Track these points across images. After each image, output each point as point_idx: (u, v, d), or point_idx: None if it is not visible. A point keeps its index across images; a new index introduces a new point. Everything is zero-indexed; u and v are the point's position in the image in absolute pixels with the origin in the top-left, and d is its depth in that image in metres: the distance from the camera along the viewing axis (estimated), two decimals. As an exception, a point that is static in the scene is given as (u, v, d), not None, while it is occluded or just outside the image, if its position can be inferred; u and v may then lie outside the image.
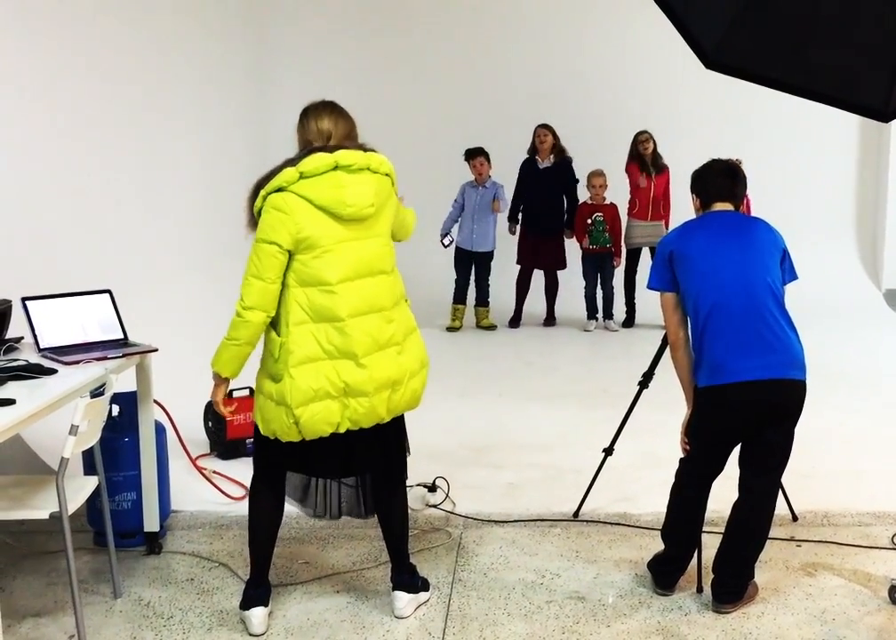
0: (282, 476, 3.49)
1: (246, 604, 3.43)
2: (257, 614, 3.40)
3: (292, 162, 3.23)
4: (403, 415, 3.52)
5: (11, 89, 4.81)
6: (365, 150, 3.30)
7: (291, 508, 3.66)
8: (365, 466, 3.52)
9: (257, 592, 3.44)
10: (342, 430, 3.26)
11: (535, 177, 8.79)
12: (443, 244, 8.09)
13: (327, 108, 3.36)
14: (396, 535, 3.54)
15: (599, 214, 8.71)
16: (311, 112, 3.35)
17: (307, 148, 3.28)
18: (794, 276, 3.55)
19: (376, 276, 3.29)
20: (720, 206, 3.57)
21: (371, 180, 3.24)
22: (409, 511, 3.61)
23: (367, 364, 3.22)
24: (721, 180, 3.59)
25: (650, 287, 3.62)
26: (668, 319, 3.58)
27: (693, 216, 3.68)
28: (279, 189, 3.17)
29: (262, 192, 3.21)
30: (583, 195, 8.84)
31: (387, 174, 3.32)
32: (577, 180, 8.82)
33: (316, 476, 3.65)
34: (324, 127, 3.30)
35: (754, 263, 3.37)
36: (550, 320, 9.09)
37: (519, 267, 9.05)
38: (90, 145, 5.67)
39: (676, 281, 3.51)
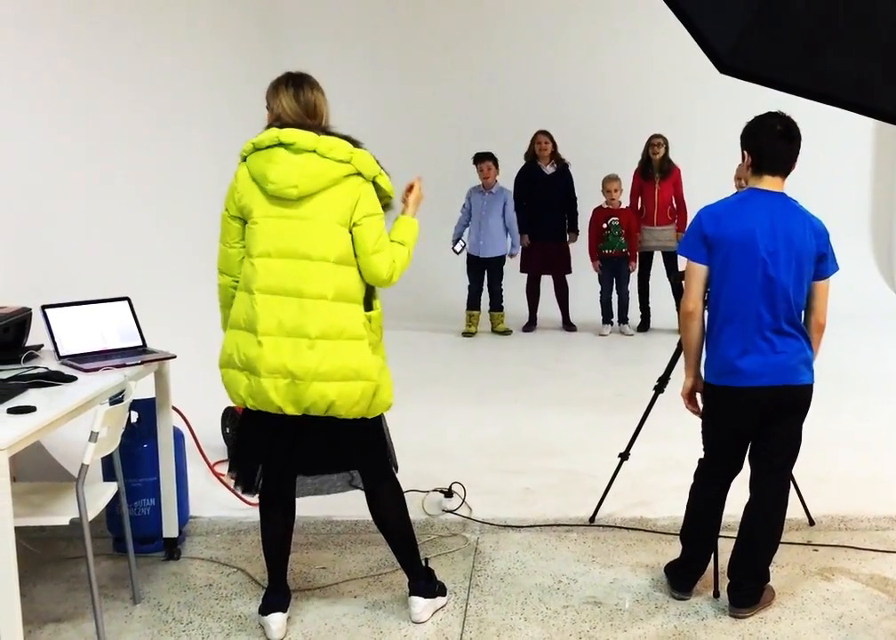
0: (289, 483, 3.46)
1: (265, 609, 3.44)
2: (276, 620, 3.42)
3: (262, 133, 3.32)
4: (366, 426, 3.36)
5: (28, 98, 4.85)
6: (328, 134, 3.26)
7: (308, 513, 3.65)
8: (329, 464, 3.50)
9: (276, 598, 3.46)
10: (250, 406, 3.25)
11: (539, 183, 8.80)
12: (454, 250, 8.12)
13: (312, 82, 3.38)
14: (394, 538, 3.51)
15: (615, 219, 8.72)
16: (300, 83, 3.35)
17: (271, 123, 3.33)
18: (835, 269, 3.45)
19: (300, 260, 3.19)
20: (768, 181, 3.39)
21: (309, 163, 3.18)
22: (408, 518, 3.53)
23: (264, 343, 3.17)
24: (778, 142, 3.38)
25: (679, 252, 3.58)
26: (690, 288, 3.47)
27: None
28: (243, 159, 3.31)
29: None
30: (597, 200, 8.84)
31: (344, 162, 3.21)
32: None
33: (292, 468, 3.51)
34: (309, 99, 3.32)
35: (778, 269, 3.31)
36: (569, 326, 9.08)
37: (527, 274, 9.07)
38: (108, 154, 5.71)
39: (708, 255, 3.42)
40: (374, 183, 3.29)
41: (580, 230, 8.96)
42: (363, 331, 3.25)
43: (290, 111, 3.31)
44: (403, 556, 3.54)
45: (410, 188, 3.54)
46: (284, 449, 3.38)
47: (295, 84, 3.35)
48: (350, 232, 3.25)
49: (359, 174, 3.25)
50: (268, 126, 3.33)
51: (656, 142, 8.69)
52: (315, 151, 3.20)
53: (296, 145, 3.19)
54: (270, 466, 3.42)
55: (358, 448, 3.42)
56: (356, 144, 3.29)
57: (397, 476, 3.51)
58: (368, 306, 3.32)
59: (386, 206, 3.34)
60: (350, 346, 3.21)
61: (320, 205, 3.22)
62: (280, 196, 3.20)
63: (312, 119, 3.32)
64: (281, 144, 3.21)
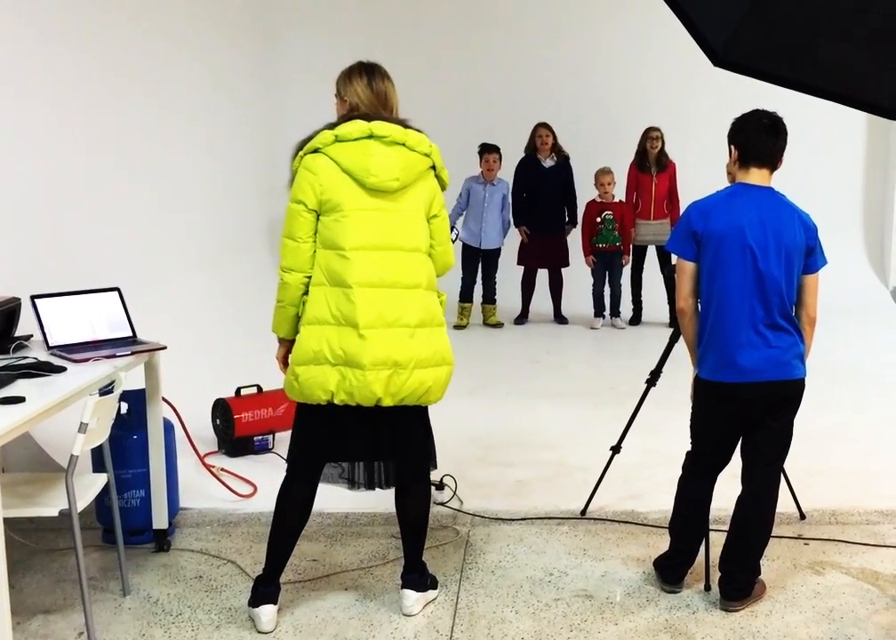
0: (316, 470, 3.45)
1: (256, 601, 3.43)
2: (266, 612, 3.40)
3: (332, 126, 3.29)
4: (424, 414, 3.46)
5: (21, 88, 4.81)
6: (406, 127, 3.30)
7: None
8: (385, 452, 3.47)
9: (267, 590, 3.44)
10: (338, 401, 3.23)
11: (539, 176, 8.78)
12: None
13: (384, 73, 3.38)
14: (411, 532, 3.53)
15: (608, 212, 8.70)
16: (373, 72, 3.35)
17: (349, 113, 3.31)
18: (823, 262, 3.46)
19: (395, 252, 3.25)
20: (755, 174, 3.40)
21: (402, 156, 3.23)
22: (428, 516, 3.57)
23: (367, 336, 3.18)
24: (764, 136, 3.40)
25: (667, 248, 3.58)
26: (682, 285, 3.48)
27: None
28: (315, 150, 3.24)
29: (300, 153, 3.28)
30: (591, 193, 8.83)
31: (426, 155, 3.29)
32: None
33: (341, 459, 3.62)
34: (381, 89, 3.33)
35: (768, 263, 3.31)
36: (561, 319, 9.07)
37: (523, 267, 9.07)
38: (98, 144, 5.67)
39: (697, 252, 3.42)
40: (437, 176, 3.40)
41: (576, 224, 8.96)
42: (443, 317, 3.41)
43: (366, 100, 3.32)
44: (411, 549, 3.55)
45: None
46: (338, 446, 3.41)
47: (368, 72, 3.36)
48: (428, 222, 3.36)
49: (433, 167, 3.34)
50: (344, 117, 3.31)
51: (654, 135, 8.66)
52: (404, 144, 3.23)
53: (389, 137, 3.21)
54: (316, 451, 3.42)
55: (413, 437, 3.44)
56: (420, 132, 3.35)
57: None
58: None
59: None
60: (439, 332, 3.36)
61: (411, 198, 3.29)
62: (380, 189, 3.21)
63: (385, 109, 3.33)
64: (372, 136, 3.20)
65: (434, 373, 3.31)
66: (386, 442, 3.40)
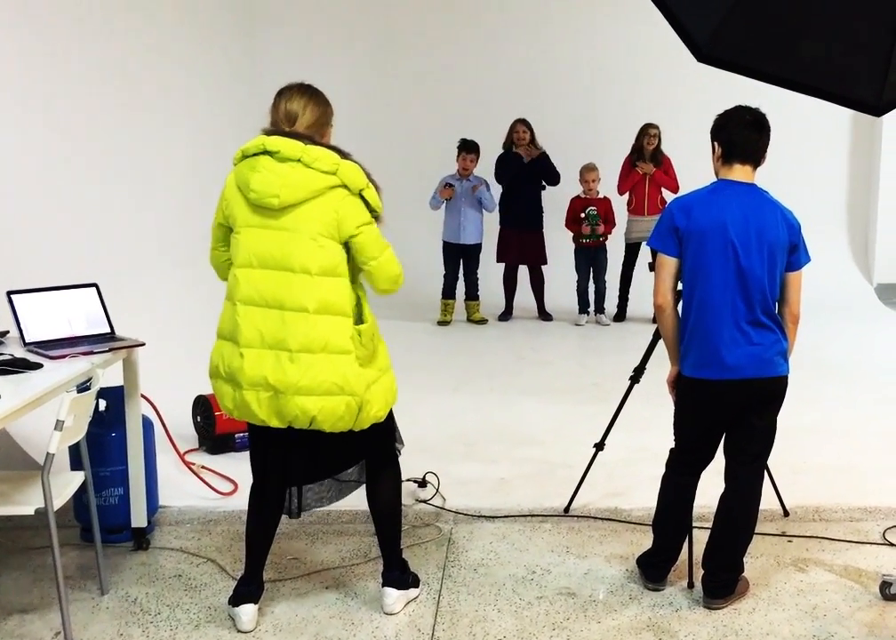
0: (276, 478, 3.42)
1: (236, 600, 3.40)
2: (246, 611, 3.37)
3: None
4: (380, 433, 3.38)
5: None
6: (315, 143, 3.17)
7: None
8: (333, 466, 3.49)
9: (248, 589, 3.41)
10: (236, 417, 3.25)
11: (517, 171, 8.75)
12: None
13: (300, 91, 3.27)
14: (382, 520, 3.49)
15: (593, 208, 8.68)
16: (284, 93, 3.27)
17: (267, 130, 3.25)
18: (807, 260, 3.45)
19: (282, 272, 3.12)
20: (739, 170, 3.39)
21: (293, 173, 3.10)
22: (401, 506, 3.56)
23: (246, 355, 3.14)
24: (747, 132, 3.37)
25: (649, 244, 3.56)
26: (661, 281, 3.44)
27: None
28: (234, 164, 3.25)
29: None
30: (576, 189, 8.81)
31: (330, 173, 3.12)
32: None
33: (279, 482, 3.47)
34: (291, 109, 3.22)
35: (750, 259, 3.29)
36: (545, 315, 9.05)
37: (503, 264, 9.04)
38: (76, 139, 5.62)
39: (679, 248, 3.40)
40: (361, 197, 3.18)
41: (554, 220, 8.91)
42: (349, 345, 3.16)
43: (275, 118, 3.25)
44: (386, 543, 3.52)
45: None
46: (281, 456, 3.37)
47: (281, 93, 3.29)
48: (346, 244, 3.18)
49: (345, 187, 3.15)
50: (262, 132, 3.26)
51: (652, 132, 8.61)
52: (300, 160, 3.12)
53: (280, 153, 3.12)
54: (267, 467, 3.39)
55: (362, 445, 3.40)
56: (344, 155, 3.20)
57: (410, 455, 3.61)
58: (358, 319, 3.24)
59: (375, 219, 3.24)
60: (334, 360, 3.13)
61: (302, 216, 3.13)
62: (261, 206, 3.14)
63: (290, 126, 3.21)
64: (266, 152, 3.14)
65: (321, 403, 3.11)
66: (324, 456, 3.41)
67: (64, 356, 3.53)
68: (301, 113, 3.22)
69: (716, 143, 3.44)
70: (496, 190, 8.87)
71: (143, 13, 6.61)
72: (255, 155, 3.16)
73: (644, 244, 8.73)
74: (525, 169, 8.74)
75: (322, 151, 3.15)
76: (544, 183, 8.78)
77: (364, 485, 3.54)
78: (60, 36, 5.42)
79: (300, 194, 3.11)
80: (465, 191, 8.66)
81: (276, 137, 3.16)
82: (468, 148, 8.62)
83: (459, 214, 8.70)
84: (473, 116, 9.79)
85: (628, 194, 8.84)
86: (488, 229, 8.92)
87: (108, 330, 3.90)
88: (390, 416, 3.46)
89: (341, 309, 3.16)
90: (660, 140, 8.66)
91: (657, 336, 3.92)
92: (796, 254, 3.40)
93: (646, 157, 8.68)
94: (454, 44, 10.20)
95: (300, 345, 3.11)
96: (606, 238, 8.81)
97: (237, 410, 3.22)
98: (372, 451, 3.44)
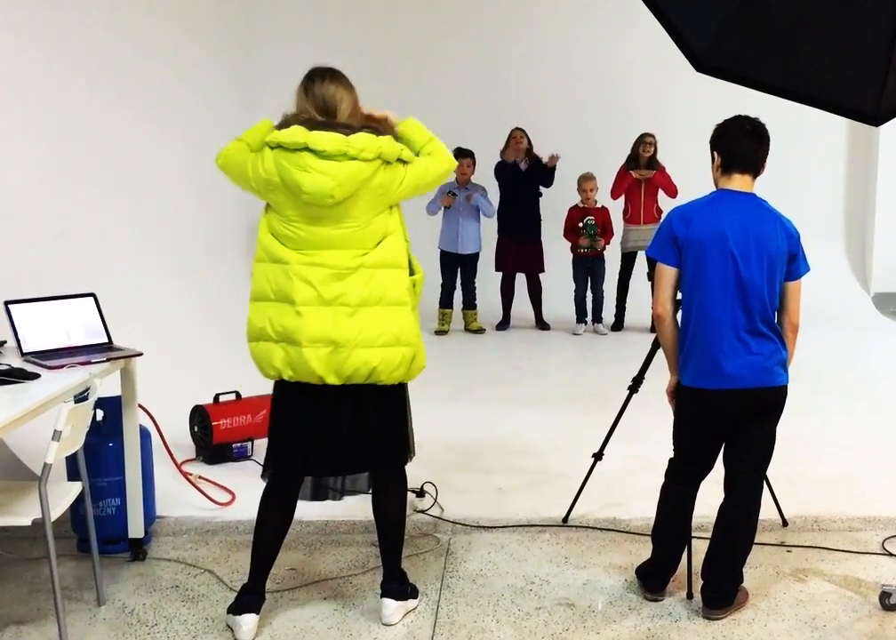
0: (294, 477, 3.42)
1: (238, 609, 3.38)
2: (248, 621, 3.35)
3: (283, 124, 3.21)
4: (394, 400, 3.38)
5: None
6: (352, 131, 3.17)
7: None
8: (355, 461, 3.42)
9: (251, 598, 3.39)
10: (286, 377, 3.23)
11: (514, 180, 8.76)
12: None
13: (332, 77, 3.27)
14: (389, 535, 3.49)
15: (590, 218, 8.70)
16: (315, 79, 3.25)
17: (300, 115, 3.22)
18: (806, 269, 3.44)
19: (336, 250, 3.21)
20: (738, 180, 3.39)
21: (341, 169, 3.11)
22: (405, 519, 3.55)
23: (304, 313, 3.16)
24: (746, 142, 3.38)
25: (648, 253, 3.56)
26: (660, 291, 3.45)
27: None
28: (269, 144, 3.19)
29: (266, 137, 3.22)
30: (574, 198, 8.81)
31: (376, 157, 3.17)
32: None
33: (309, 474, 3.53)
34: (328, 97, 3.22)
35: (750, 269, 3.29)
36: (543, 324, 9.04)
37: (501, 273, 9.04)
38: (73, 149, 5.61)
39: (678, 257, 3.40)
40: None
41: (552, 229, 8.91)
42: (406, 296, 3.29)
43: (310, 106, 3.23)
44: (388, 554, 3.51)
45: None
46: (312, 442, 3.32)
47: (308, 78, 3.27)
48: (398, 200, 3.31)
49: (385, 161, 3.22)
50: (294, 117, 3.22)
51: (648, 140, 8.65)
52: (345, 154, 3.13)
53: (326, 152, 3.11)
54: (290, 467, 3.38)
55: (381, 427, 3.35)
56: (376, 130, 3.23)
57: (409, 465, 3.54)
58: (410, 270, 3.34)
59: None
60: (391, 311, 3.24)
61: (356, 204, 3.20)
62: (315, 204, 3.15)
63: (328, 114, 3.21)
64: (308, 149, 3.12)
65: (381, 353, 3.20)
66: (356, 443, 3.33)
67: (62, 366, 3.52)
68: (340, 102, 3.23)
69: (715, 153, 3.44)
70: (494, 200, 8.87)
71: (140, 26, 6.61)
72: (294, 150, 3.13)
73: (640, 252, 8.75)
74: (522, 178, 8.74)
75: (363, 140, 3.15)
76: (540, 189, 8.78)
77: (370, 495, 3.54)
78: (59, 47, 5.42)
79: (352, 187, 3.16)
80: (462, 200, 8.66)
81: (317, 133, 3.12)
82: (463, 154, 8.62)
83: (456, 224, 8.70)
84: (469, 125, 9.78)
85: (623, 203, 8.84)
86: (486, 238, 8.93)
87: (106, 340, 3.89)
88: (406, 409, 3.48)
89: (397, 262, 3.28)
90: (655, 148, 8.68)
91: (655, 345, 3.92)
92: (795, 264, 3.40)
93: (641, 165, 8.69)
94: (450, 53, 10.21)
95: (360, 299, 3.19)
96: (604, 248, 8.82)
97: (290, 368, 3.21)
98: (388, 445, 3.40)
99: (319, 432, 3.31)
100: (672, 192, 8.56)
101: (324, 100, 3.23)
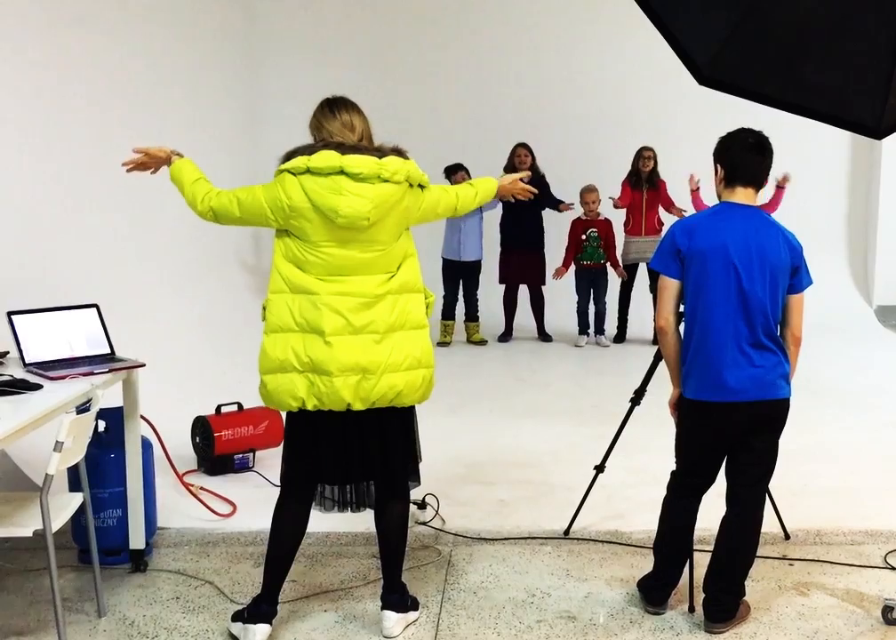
0: (308, 488, 3.42)
1: (252, 618, 3.36)
2: (262, 630, 3.35)
3: (310, 148, 3.24)
4: (405, 423, 3.44)
5: (1, 102, 4.77)
6: (383, 154, 3.24)
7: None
8: (367, 471, 3.44)
9: (267, 609, 3.39)
10: (310, 407, 3.23)
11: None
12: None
13: (347, 103, 3.36)
14: (391, 550, 3.49)
15: (593, 230, 8.71)
16: (338, 106, 3.33)
17: (325, 140, 3.26)
18: (809, 282, 3.45)
19: (364, 276, 3.25)
20: (741, 193, 3.39)
21: (375, 192, 3.18)
22: (407, 534, 3.55)
23: (334, 343, 3.18)
24: (750, 155, 3.38)
25: (651, 266, 3.56)
26: (663, 303, 3.45)
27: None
28: (291, 171, 3.20)
29: (280, 165, 3.25)
30: (576, 211, 8.82)
31: (405, 180, 3.25)
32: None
33: (329, 478, 3.52)
34: (351, 121, 3.30)
35: (752, 282, 3.29)
36: (545, 336, 9.04)
37: (504, 286, 9.04)
38: (77, 158, 5.64)
39: (681, 270, 3.40)
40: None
41: (555, 240, 8.92)
42: (424, 319, 3.38)
43: (335, 130, 3.29)
44: (390, 568, 3.51)
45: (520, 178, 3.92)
46: (329, 454, 3.36)
47: (331, 104, 3.36)
48: (412, 224, 3.40)
49: (409, 184, 3.30)
50: (323, 144, 3.25)
51: (646, 155, 8.67)
52: (378, 176, 3.18)
53: (362, 174, 3.15)
54: (307, 470, 3.39)
55: (394, 444, 3.40)
56: (404, 155, 3.32)
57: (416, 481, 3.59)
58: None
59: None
60: (413, 335, 3.33)
61: (385, 227, 3.25)
62: (350, 228, 3.18)
63: (368, 140, 3.31)
64: (343, 172, 3.15)
65: (405, 377, 3.28)
66: (368, 454, 3.37)
67: (64, 377, 3.52)
68: (358, 124, 3.32)
69: (718, 165, 3.44)
70: (497, 213, 8.89)
71: (144, 38, 6.64)
72: (328, 174, 3.15)
73: (641, 264, 8.76)
74: None
75: (395, 163, 3.23)
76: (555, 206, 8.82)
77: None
78: (63, 55, 5.44)
79: (385, 210, 3.22)
80: None
81: (351, 156, 3.17)
82: (456, 170, 8.64)
83: (458, 231, 8.72)
84: (470, 138, 9.83)
85: (625, 215, 8.85)
86: (489, 249, 8.93)
87: (108, 350, 3.90)
88: (414, 429, 3.54)
89: (416, 286, 3.37)
90: (655, 162, 8.69)
91: (658, 358, 3.91)
92: (798, 277, 3.40)
93: (643, 179, 8.71)
94: (452, 67, 10.23)
95: (387, 326, 3.24)
96: (607, 260, 8.83)
97: (315, 398, 3.21)
98: (396, 462, 3.43)
99: (334, 447, 3.35)
100: (667, 205, 8.62)
101: (352, 125, 3.31)
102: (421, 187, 3.37)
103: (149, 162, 3.58)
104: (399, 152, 3.31)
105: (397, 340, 3.28)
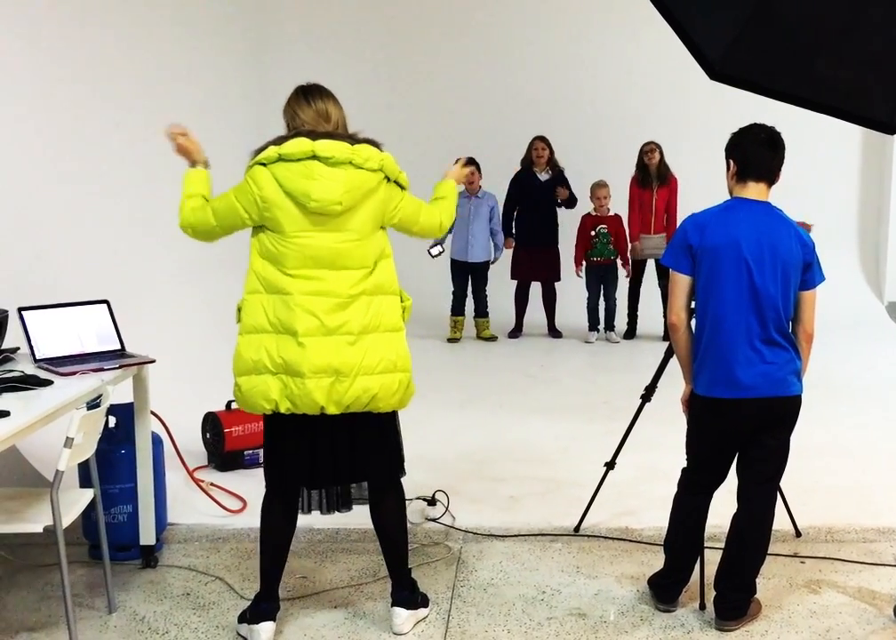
0: (292, 487, 3.41)
1: (255, 617, 3.36)
2: (266, 629, 3.34)
3: (281, 139, 3.22)
4: (387, 421, 3.39)
5: (4, 102, 4.77)
6: (356, 141, 3.23)
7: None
8: (343, 476, 3.44)
9: (267, 606, 3.39)
10: (283, 410, 3.20)
11: (533, 189, 8.75)
12: (430, 253, 8.03)
13: (321, 91, 3.33)
14: (390, 547, 3.48)
15: (603, 226, 8.69)
16: (312, 93, 3.30)
17: (296, 130, 3.25)
18: (821, 279, 3.43)
19: (339, 271, 3.21)
20: (753, 189, 3.37)
21: (348, 177, 3.16)
22: (407, 524, 3.55)
23: (307, 343, 3.14)
24: (762, 150, 3.36)
25: (662, 262, 3.55)
26: (675, 299, 3.43)
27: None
28: (262, 163, 3.19)
29: (250, 160, 3.23)
30: (586, 206, 8.81)
31: (378, 169, 3.23)
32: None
33: (307, 486, 3.54)
34: (325, 108, 3.28)
35: (764, 278, 3.28)
36: (555, 332, 9.03)
37: (516, 281, 9.03)
38: (88, 156, 5.64)
39: (692, 266, 3.39)
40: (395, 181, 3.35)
41: (569, 236, 8.90)
42: (400, 322, 3.34)
43: (307, 119, 3.26)
44: (393, 564, 3.50)
45: (456, 162, 3.83)
46: (307, 457, 3.33)
47: (305, 92, 3.32)
48: (389, 225, 3.36)
49: (385, 177, 3.27)
50: (287, 136, 3.23)
51: (648, 148, 8.63)
52: (351, 162, 3.16)
53: (334, 159, 3.14)
54: (288, 473, 3.37)
55: (374, 447, 3.38)
56: (379, 147, 3.29)
57: (403, 480, 3.54)
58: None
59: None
60: (389, 338, 3.28)
61: (356, 215, 3.22)
62: (322, 213, 3.16)
63: (328, 125, 3.27)
64: (315, 157, 3.14)
65: (380, 380, 3.23)
66: (344, 461, 3.35)
67: (74, 373, 3.52)
68: (333, 112, 3.30)
69: (730, 161, 3.43)
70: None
71: (152, 33, 6.64)
72: (300, 160, 3.14)
73: (650, 260, 8.74)
74: (541, 188, 8.73)
75: (368, 150, 3.22)
76: (561, 203, 8.78)
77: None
78: (69, 49, 5.44)
79: (358, 196, 3.19)
80: (472, 209, 8.65)
81: (323, 141, 3.16)
82: (468, 164, 8.58)
83: (466, 233, 8.70)
84: (481, 134, 9.81)
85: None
86: (500, 248, 8.91)
87: (119, 346, 3.90)
88: (397, 428, 3.50)
89: (391, 288, 3.32)
90: (661, 155, 8.63)
91: (668, 354, 3.90)
92: (810, 273, 3.38)
93: (651, 174, 8.67)
94: (463, 62, 10.23)
95: (361, 327, 3.20)
96: (617, 256, 8.81)
97: (289, 400, 3.18)
98: (380, 459, 3.41)
99: (309, 452, 3.33)
100: (671, 208, 8.60)
101: (326, 113, 3.28)
102: (400, 186, 3.34)
103: (189, 151, 3.53)
104: (373, 143, 3.28)
105: (371, 342, 3.23)
